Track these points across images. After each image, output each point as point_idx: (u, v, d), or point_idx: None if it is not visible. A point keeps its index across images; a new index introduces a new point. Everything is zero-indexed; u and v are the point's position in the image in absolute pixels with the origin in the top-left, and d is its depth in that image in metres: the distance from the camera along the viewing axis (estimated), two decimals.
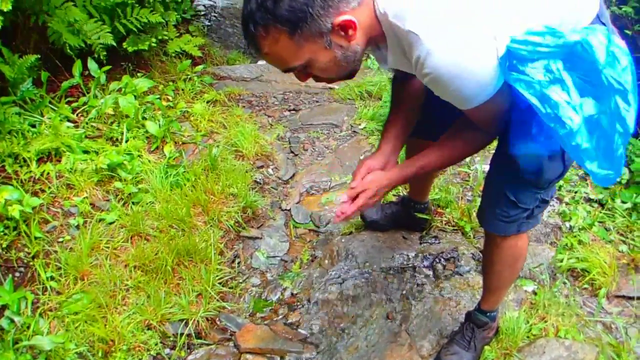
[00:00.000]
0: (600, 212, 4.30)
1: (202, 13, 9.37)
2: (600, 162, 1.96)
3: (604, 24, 2.21)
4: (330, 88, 6.77)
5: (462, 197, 4.50)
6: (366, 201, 2.63)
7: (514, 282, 3.34)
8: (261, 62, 7.88)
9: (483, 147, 2.58)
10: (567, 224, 4.23)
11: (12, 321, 3.07)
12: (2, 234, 3.49)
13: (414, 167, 2.61)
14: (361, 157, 3.61)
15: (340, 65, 2.17)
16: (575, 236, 4.07)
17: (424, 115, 2.92)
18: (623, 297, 3.70)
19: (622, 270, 3.84)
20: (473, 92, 2.06)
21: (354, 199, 2.65)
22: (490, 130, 2.40)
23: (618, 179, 2.41)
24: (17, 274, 3.42)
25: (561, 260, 3.89)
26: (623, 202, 4.37)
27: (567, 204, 4.41)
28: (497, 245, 2.89)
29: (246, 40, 2.12)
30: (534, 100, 1.91)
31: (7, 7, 3.72)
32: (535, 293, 3.68)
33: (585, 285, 3.77)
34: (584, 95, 1.93)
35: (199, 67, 6.40)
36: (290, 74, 2.24)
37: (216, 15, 9.57)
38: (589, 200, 4.46)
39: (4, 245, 3.45)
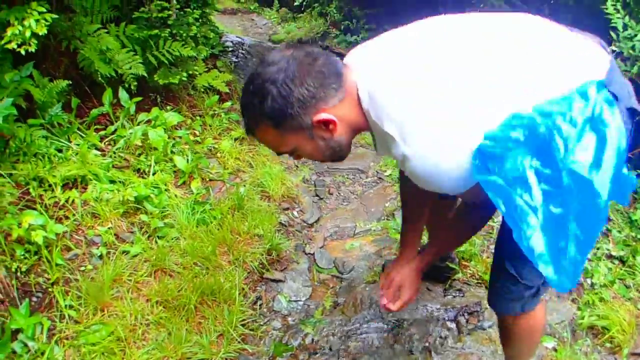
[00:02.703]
0: (621, 270, 4.26)
1: (230, 49, 9.41)
2: (556, 268, 1.99)
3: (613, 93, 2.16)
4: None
5: (486, 250, 4.44)
6: (407, 296, 2.95)
7: (534, 352, 3.26)
8: None
9: (486, 220, 2.72)
10: (589, 281, 4.17)
11: (26, 345, 3.01)
12: (22, 257, 3.43)
13: (431, 255, 2.95)
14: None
15: (325, 152, 2.40)
16: (596, 293, 4.01)
17: None
18: None
19: None
20: (452, 186, 2.20)
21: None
22: (485, 205, 2.36)
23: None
24: (34, 299, 3.35)
25: (582, 318, 3.84)
26: None
27: (589, 260, 4.34)
28: (509, 325, 2.85)
29: (243, 124, 2.43)
30: (498, 201, 2.00)
31: (42, 30, 3.74)
32: (555, 350, 3.62)
33: (606, 344, 3.70)
34: (548, 196, 1.99)
35: (227, 104, 6.39)
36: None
37: (244, 52, 9.62)
38: (610, 257, 4.41)
39: (23, 269, 3.39)
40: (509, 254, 2.52)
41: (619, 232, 4.58)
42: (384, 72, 2.25)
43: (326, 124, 2.25)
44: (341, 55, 7.46)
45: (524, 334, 2.84)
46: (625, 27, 4.76)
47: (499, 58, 2.17)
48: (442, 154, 2.09)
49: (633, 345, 3.67)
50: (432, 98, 2.10)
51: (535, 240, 1.95)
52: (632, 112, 2.24)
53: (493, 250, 2.87)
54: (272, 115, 2.21)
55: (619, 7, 4.80)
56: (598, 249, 4.43)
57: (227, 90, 6.61)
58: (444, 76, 2.14)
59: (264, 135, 2.35)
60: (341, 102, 2.26)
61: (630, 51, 4.69)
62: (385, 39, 2.45)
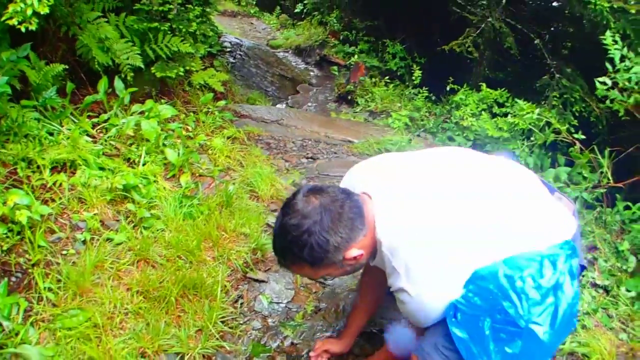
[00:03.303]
0: (605, 299, 4.29)
1: (228, 49, 9.44)
2: None
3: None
4: (350, 141, 6.76)
5: None
6: None
7: None
8: (281, 106, 7.87)
9: None
10: None
11: (0, 325, 2.95)
12: (4, 236, 3.39)
13: (355, 333, 3.57)
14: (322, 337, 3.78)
15: (349, 272, 2.90)
16: (579, 320, 4.00)
17: None
18: None
19: (620, 358, 3.78)
20: (424, 320, 2.63)
21: None
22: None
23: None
24: (13, 279, 3.30)
25: (563, 344, 3.82)
26: (628, 290, 4.38)
27: None
28: None
29: (276, 257, 2.86)
30: (460, 344, 2.43)
31: (44, 10, 3.71)
32: None
33: None
34: (504, 342, 2.39)
35: (221, 102, 6.42)
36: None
37: (241, 53, 9.64)
38: (595, 285, 4.45)
39: (4, 248, 3.35)
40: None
41: (605, 261, 4.61)
42: (401, 216, 2.62)
43: (355, 258, 2.65)
44: (339, 65, 7.47)
45: None
46: (622, 58, 4.79)
47: (496, 210, 2.63)
48: (433, 302, 2.53)
49: None
50: (438, 255, 2.51)
51: None
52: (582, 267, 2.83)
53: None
54: (310, 260, 2.60)
55: (617, 38, 4.83)
56: (583, 276, 4.46)
57: (223, 90, 6.64)
58: (449, 228, 2.54)
59: (299, 270, 2.81)
60: (365, 236, 2.64)
61: (626, 82, 4.71)
62: (393, 167, 2.91)
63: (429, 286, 2.51)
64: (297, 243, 2.56)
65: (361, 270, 3.48)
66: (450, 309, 2.48)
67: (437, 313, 2.53)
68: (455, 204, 2.62)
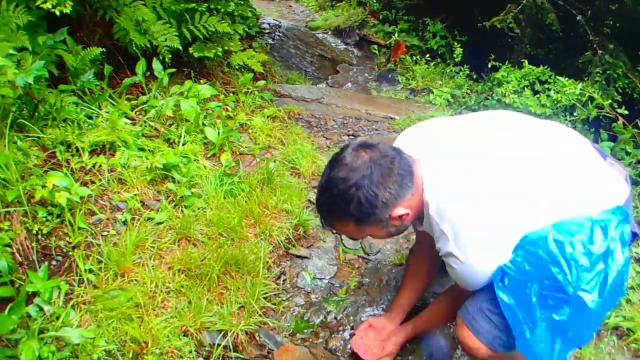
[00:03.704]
0: None
1: (267, 31, 9.44)
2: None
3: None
4: (391, 118, 6.72)
5: None
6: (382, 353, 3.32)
7: None
8: (321, 85, 7.83)
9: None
10: None
11: (41, 309, 2.93)
12: (44, 219, 3.39)
13: (420, 322, 3.34)
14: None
15: (392, 234, 2.88)
16: (624, 294, 3.92)
17: None
18: None
19: None
20: (473, 284, 2.61)
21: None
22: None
23: None
24: (54, 262, 3.31)
25: (608, 318, 3.78)
26: None
27: None
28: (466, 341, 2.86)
29: (319, 215, 2.85)
30: (506, 310, 2.42)
31: None
32: (580, 348, 3.53)
33: (631, 345, 3.65)
34: (551, 308, 2.35)
35: (261, 82, 6.39)
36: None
37: (280, 35, 9.62)
38: (638, 260, 4.36)
39: (44, 232, 3.35)
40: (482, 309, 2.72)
41: None
42: (449, 178, 2.59)
43: (401, 217, 2.64)
44: (379, 45, 7.41)
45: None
46: None
47: (546, 173, 2.57)
48: (482, 266, 2.49)
49: None
50: (487, 218, 2.47)
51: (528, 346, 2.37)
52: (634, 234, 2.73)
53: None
54: (356, 215, 2.58)
55: None
56: (637, 244, 4.40)
57: (262, 70, 6.63)
58: (498, 191, 2.51)
59: (342, 228, 2.76)
60: (413, 196, 2.62)
61: None
62: (442, 131, 2.88)
63: (477, 250, 2.48)
64: (344, 197, 2.54)
65: (410, 247, 3.56)
66: (498, 273, 2.45)
67: (485, 277, 2.50)
68: (504, 166, 2.58)
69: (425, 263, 3.45)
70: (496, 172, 2.56)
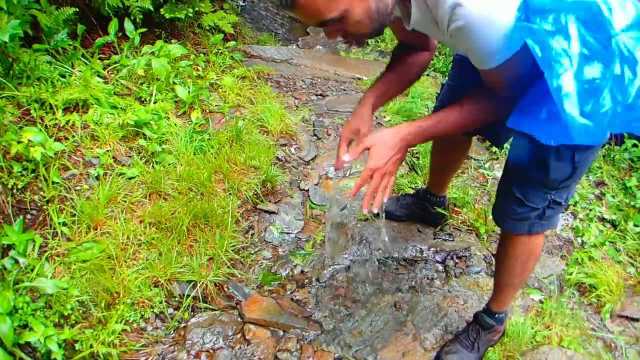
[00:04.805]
0: (613, 233, 4.33)
1: None
2: (582, 111, 1.90)
3: None
4: (359, 78, 6.80)
5: (478, 201, 4.51)
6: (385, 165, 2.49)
7: (524, 282, 3.30)
8: (291, 46, 7.88)
9: (499, 115, 2.40)
10: (579, 240, 4.26)
11: (17, 262, 3.02)
12: (19, 174, 3.45)
13: (425, 123, 2.48)
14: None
15: (373, 17, 2.15)
16: (586, 252, 4.09)
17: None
18: (626, 317, 3.71)
19: (628, 292, 3.86)
20: (496, 45, 2.05)
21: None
22: (508, 96, 2.32)
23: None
24: (28, 216, 3.38)
25: (570, 274, 3.90)
26: (635, 225, 4.40)
27: (581, 220, 4.44)
28: (510, 241, 2.89)
29: None
30: (535, 47, 1.91)
31: None
32: (542, 302, 3.69)
33: (592, 301, 3.77)
34: (590, 56, 1.90)
35: (231, 43, 6.43)
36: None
37: None
38: (602, 219, 4.49)
39: (19, 186, 3.42)
40: (517, 178, 2.63)
41: (613, 197, 4.64)
42: None
43: None
44: None
45: (523, 255, 2.90)
46: None
47: None
48: (496, 9, 1.98)
49: (620, 306, 3.73)
50: None
51: (565, 81, 1.88)
52: None
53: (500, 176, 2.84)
54: None
55: None
56: (591, 210, 4.52)
57: (232, 32, 6.67)
58: None
59: (309, 3, 2.02)
60: None
61: None
62: None
63: None
64: None
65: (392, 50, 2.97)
66: (519, 10, 1.96)
67: (507, 20, 1.98)
68: None
69: (407, 63, 2.88)
70: None
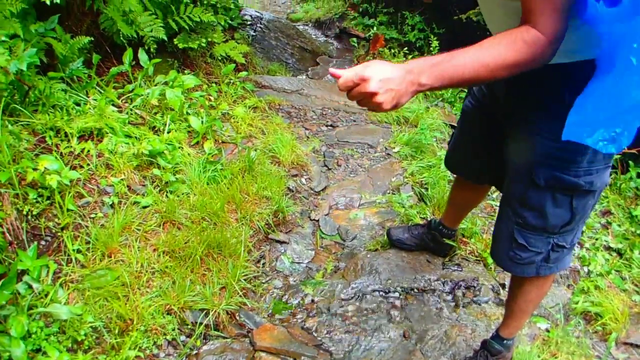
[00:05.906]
0: (618, 261, 4.36)
1: (249, 23, 9.50)
2: None
3: None
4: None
5: (486, 231, 4.53)
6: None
7: (536, 308, 3.34)
8: (301, 76, 7.94)
9: (531, 58, 1.91)
10: (586, 269, 4.29)
11: (30, 287, 3.04)
12: (34, 201, 3.49)
13: (443, 56, 2.01)
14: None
15: None
16: (592, 281, 4.12)
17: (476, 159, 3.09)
18: (631, 344, 3.74)
19: (633, 319, 3.88)
20: None
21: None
22: (547, 25, 1.86)
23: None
24: (43, 242, 3.41)
25: (576, 302, 3.94)
26: None
27: (587, 249, 4.48)
28: (520, 280, 2.94)
29: None
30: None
31: None
32: (548, 331, 3.73)
33: (597, 329, 3.81)
34: None
35: (243, 73, 6.47)
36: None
37: (261, 26, 9.69)
38: (608, 248, 4.51)
39: (34, 213, 3.45)
40: (518, 224, 2.65)
41: (619, 226, 4.67)
42: None
43: None
44: (358, 38, 7.48)
45: (532, 295, 2.95)
46: None
47: None
48: None
49: (625, 334, 3.76)
50: None
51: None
52: None
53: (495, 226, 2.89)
54: None
55: None
56: (597, 239, 4.54)
57: (244, 61, 6.71)
58: None
59: None
60: None
61: None
62: None
63: None
64: None
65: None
66: None
67: None
68: None
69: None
70: None
